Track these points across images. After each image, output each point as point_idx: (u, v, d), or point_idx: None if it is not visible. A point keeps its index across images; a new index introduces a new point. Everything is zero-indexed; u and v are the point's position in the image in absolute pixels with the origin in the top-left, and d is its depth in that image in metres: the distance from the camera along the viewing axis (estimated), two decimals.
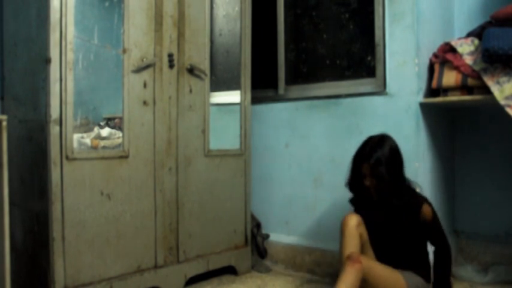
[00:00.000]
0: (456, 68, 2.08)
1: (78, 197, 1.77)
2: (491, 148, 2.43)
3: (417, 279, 1.77)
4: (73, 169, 1.76)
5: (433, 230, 1.79)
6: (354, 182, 1.85)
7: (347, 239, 1.76)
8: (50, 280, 1.70)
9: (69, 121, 1.74)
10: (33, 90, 1.80)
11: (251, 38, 2.55)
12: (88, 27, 1.94)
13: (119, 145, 1.98)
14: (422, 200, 1.80)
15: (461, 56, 2.09)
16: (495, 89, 1.93)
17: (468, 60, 2.06)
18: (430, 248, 1.86)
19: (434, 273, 1.81)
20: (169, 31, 2.11)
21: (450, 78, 2.09)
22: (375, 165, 1.72)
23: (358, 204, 1.94)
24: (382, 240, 1.86)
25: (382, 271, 1.71)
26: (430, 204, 1.80)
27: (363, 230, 1.82)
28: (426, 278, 1.81)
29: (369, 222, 1.85)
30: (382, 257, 1.87)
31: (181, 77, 2.17)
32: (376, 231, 1.86)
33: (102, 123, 2.13)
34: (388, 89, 2.24)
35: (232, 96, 2.56)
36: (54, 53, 1.69)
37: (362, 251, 1.80)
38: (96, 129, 2.09)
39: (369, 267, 1.65)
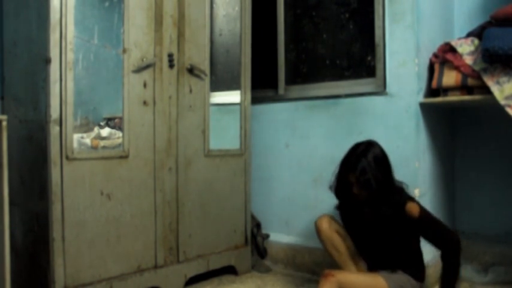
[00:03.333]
0: (456, 68, 2.08)
1: (78, 197, 1.77)
2: (491, 148, 2.43)
3: (403, 279, 1.74)
4: (73, 169, 1.76)
5: (425, 226, 1.75)
6: (341, 189, 1.86)
7: (328, 244, 1.93)
8: (50, 280, 1.70)
9: (69, 121, 1.74)
10: (33, 90, 1.80)
11: (251, 38, 2.55)
12: (88, 27, 1.94)
13: (119, 145, 1.98)
14: (405, 199, 1.76)
15: (461, 56, 2.09)
16: (495, 89, 1.93)
17: (468, 60, 2.06)
18: (430, 248, 1.86)
19: (443, 273, 1.73)
20: (169, 31, 2.11)
21: (450, 78, 2.09)
22: (361, 175, 1.72)
23: (345, 210, 1.95)
24: (370, 243, 1.87)
25: (358, 280, 1.74)
26: (414, 201, 1.77)
27: (337, 226, 1.93)
28: (417, 277, 1.78)
29: (356, 227, 1.91)
30: (370, 258, 1.89)
31: (181, 77, 2.17)
32: (364, 235, 1.89)
33: (102, 123, 2.13)
34: (388, 89, 2.24)
35: (232, 96, 2.56)
36: (54, 53, 1.70)
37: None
38: (96, 129, 2.09)
39: (344, 278, 1.70)
